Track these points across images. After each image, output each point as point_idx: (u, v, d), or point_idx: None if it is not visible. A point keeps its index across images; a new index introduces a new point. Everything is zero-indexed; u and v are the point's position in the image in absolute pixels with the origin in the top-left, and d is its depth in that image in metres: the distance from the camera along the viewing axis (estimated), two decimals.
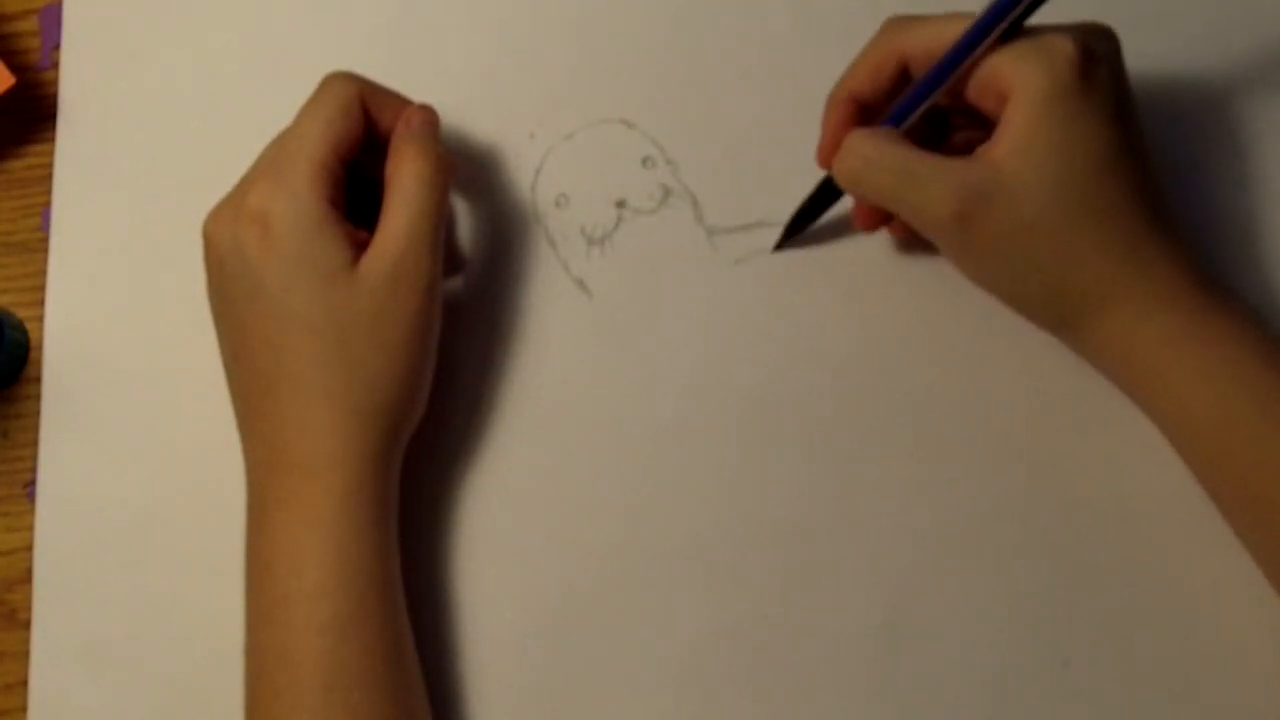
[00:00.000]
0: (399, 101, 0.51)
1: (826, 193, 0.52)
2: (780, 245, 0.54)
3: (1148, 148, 0.48)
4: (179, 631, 0.52)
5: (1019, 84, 0.46)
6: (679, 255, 0.54)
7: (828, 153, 0.50)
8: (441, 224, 0.49)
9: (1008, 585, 0.51)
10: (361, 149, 0.50)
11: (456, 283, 0.54)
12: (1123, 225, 0.47)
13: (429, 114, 0.51)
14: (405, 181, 0.49)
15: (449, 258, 0.54)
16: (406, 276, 0.48)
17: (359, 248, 0.48)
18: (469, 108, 0.56)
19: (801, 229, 0.53)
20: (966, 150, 0.48)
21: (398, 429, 0.49)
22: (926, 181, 0.47)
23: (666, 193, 0.55)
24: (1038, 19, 0.46)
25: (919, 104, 0.48)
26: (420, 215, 0.48)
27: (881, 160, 0.48)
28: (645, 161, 0.55)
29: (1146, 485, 0.51)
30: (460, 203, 0.55)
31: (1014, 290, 0.49)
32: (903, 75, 0.49)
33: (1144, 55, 0.50)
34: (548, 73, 0.56)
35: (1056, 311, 0.49)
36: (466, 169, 0.55)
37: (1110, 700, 0.49)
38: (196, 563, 0.52)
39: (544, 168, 0.55)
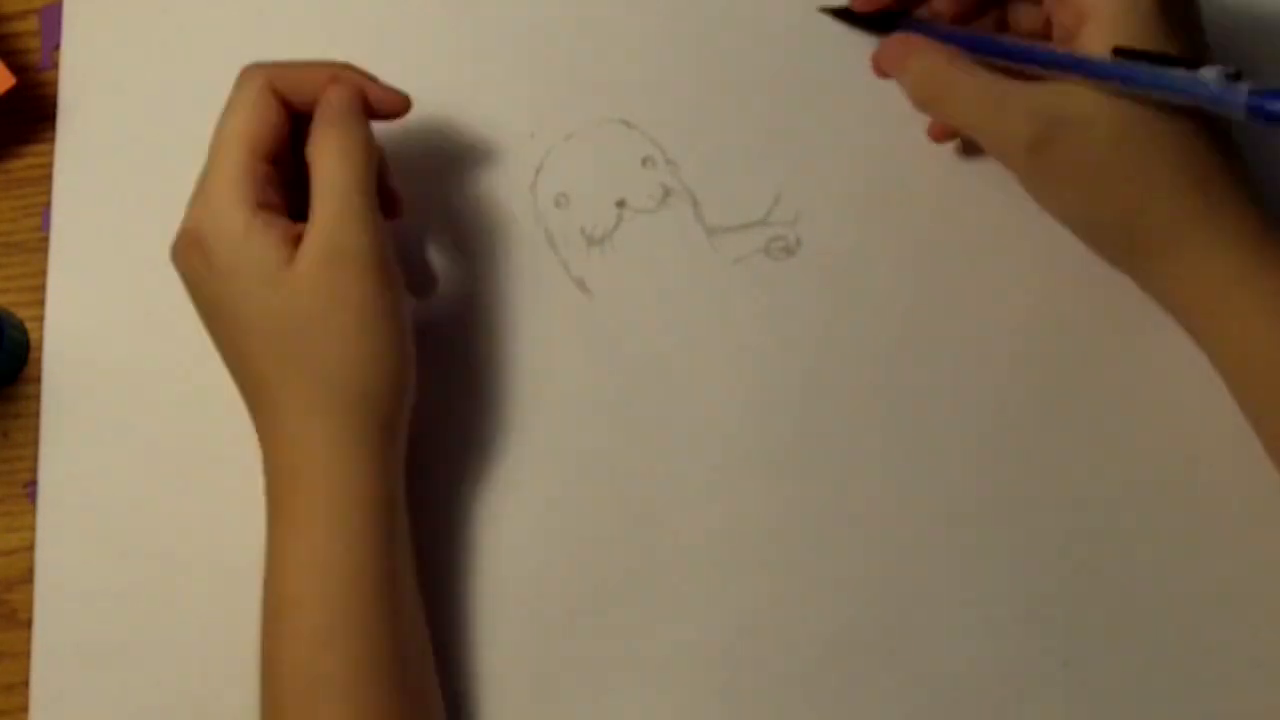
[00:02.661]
0: (316, 74, 0.49)
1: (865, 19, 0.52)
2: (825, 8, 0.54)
3: None
4: (179, 631, 0.52)
5: (1100, 7, 0.46)
6: (679, 255, 0.54)
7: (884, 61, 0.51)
8: (371, 200, 0.47)
9: (1007, 585, 0.51)
10: (292, 133, 0.49)
11: (457, 283, 0.54)
12: (1195, 161, 0.47)
13: (347, 89, 0.49)
14: (324, 165, 0.47)
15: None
16: (341, 260, 0.46)
17: (299, 241, 0.47)
18: (469, 107, 0.56)
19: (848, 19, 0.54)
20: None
21: (380, 419, 0.47)
22: (1005, 105, 0.47)
23: (666, 193, 0.55)
24: None
25: (998, 55, 0.48)
26: (343, 197, 0.47)
27: (959, 82, 0.48)
28: (645, 161, 0.55)
29: (1146, 486, 0.51)
30: (460, 203, 0.55)
31: (1087, 219, 0.49)
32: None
33: None
34: (548, 73, 0.56)
35: (1125, 245, 0.49)
36: (466, 169, 0.55)
37: (1110, 700, 0.49)
38: (196, 563, 0.52)
39: (544, 168, 0.55)
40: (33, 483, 0.54)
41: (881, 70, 0.52)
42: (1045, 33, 0.50)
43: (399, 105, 0.50)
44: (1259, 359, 0.47)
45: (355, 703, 0.45)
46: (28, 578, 0.53)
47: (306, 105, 0.49)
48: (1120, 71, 0.45)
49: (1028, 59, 0.48)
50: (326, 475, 0.46)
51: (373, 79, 0.50)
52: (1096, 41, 0.46)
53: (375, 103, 0.50)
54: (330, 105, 0.48)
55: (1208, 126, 0.47)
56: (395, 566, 0.47)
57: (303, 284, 0.46)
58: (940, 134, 0.53)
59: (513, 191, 0.55)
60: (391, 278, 0.48)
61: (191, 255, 0.47)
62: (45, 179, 0.56)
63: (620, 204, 0.55)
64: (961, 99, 0.48)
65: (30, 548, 0.53)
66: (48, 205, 0.56)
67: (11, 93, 0.55)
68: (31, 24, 0.58)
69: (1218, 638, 0.50)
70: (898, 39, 0.50)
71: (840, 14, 0.55)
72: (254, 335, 0.47)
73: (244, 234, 0.46)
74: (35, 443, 0.54)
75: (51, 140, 0.57)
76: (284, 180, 0.49)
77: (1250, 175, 0.48)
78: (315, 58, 0.57)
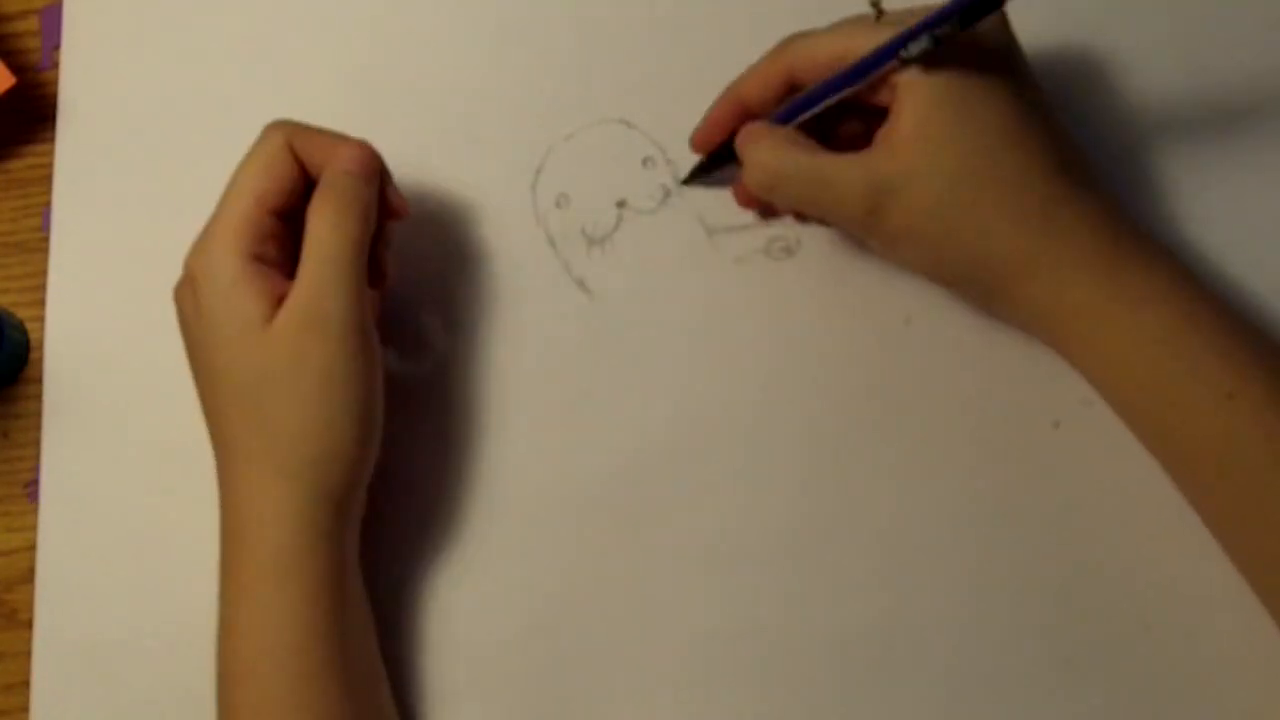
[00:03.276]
0: (333, 142, 0.49)
1: (728, 152, 0.53)
2: (686, 181, 0.55)
3: (1051, 114, 0.48)
4: (179, 631, 0.52)
5: (908, 86, 0.47)
6: (679, 255, 0.54)
7: (701, 139, 0.53)
8: (357, 270, 0.47)
9: (1007, 585, 0.51)
10: (302, 195, 0.49)
11: (458, 282, 0.54)
12: (1033, 194, 0.47)
13: (356, 154, 0.49)
14: (316, 228, 0.47)
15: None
16: (317, 326, 0.46)
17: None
18: (469, 108, 0.56)
19: (705, 174, 0.54)
20: (851, 139, 0.50)
21: (332, 491, 0.47)
22: (832, 183, 0.48)
23: (666, 193, 0.55)
24: None
25: (811, 107, 0.49)
26: (328, 263, 0.47)
27: (785, 170, 0.49)
28: (645, 161, 0.55)
29: (1146, 485, 0.51)
30: (461, 203, 0.55)
31: (937, 270, 0.50)
32: (790, 88, 0.50)
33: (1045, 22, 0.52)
34: (548, 73, 0.56)
35: (980, 286, 0.49)
36: (467, 169, 0.55)
37: (1110, 700, 0.49)
38: (196, 563, 0.52)
39: (544, 168, 0.55)
40: (33, 483, 0.54)
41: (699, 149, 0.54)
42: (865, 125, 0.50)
43: (399, 211, 0.51)
44: (1128, 383, 0.47)
45: None
46: (28, 578, 0.53)
47: (319, 170, 0.49)
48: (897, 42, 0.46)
49: (837, 88, 0.48)
50: (272, 540, 0.46)
51: (387, 173, 0.50)
52: (909, 103, 0.47)
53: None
54: (335, 171, 0.48)
55: (1044, 152, 0.47)
56: (346, 631, 0.47)
57: (276, 343, 0.46)
58: (745, 200, 0.54)
59: (513, 191, 0.55)
60: (364, 347, 0.47)
61: (185, 294, 0.48)
62: (45, 179, 0.57)
63: (620, 204, 0.55)
64: (790, 186, 0.49)
65: (30, 548, 0.53)
66: (48, 205, 0.56)
67: (11, 93, 0.55)
68: (31, 24, 0.58)
69: (1218, 638, 0.50)
70: (747, 128, 0.51)
71: (702, 170, 0.54)
72: (223, 387, 0.47)
73: (231, 283, 0.47)
74: (35, 443, 0.54)
75: (51, 140, 0.57)
76: (291, 238, 0.49)
77: (1101, 190, 0.48)
78: (314, 58, 0.57)
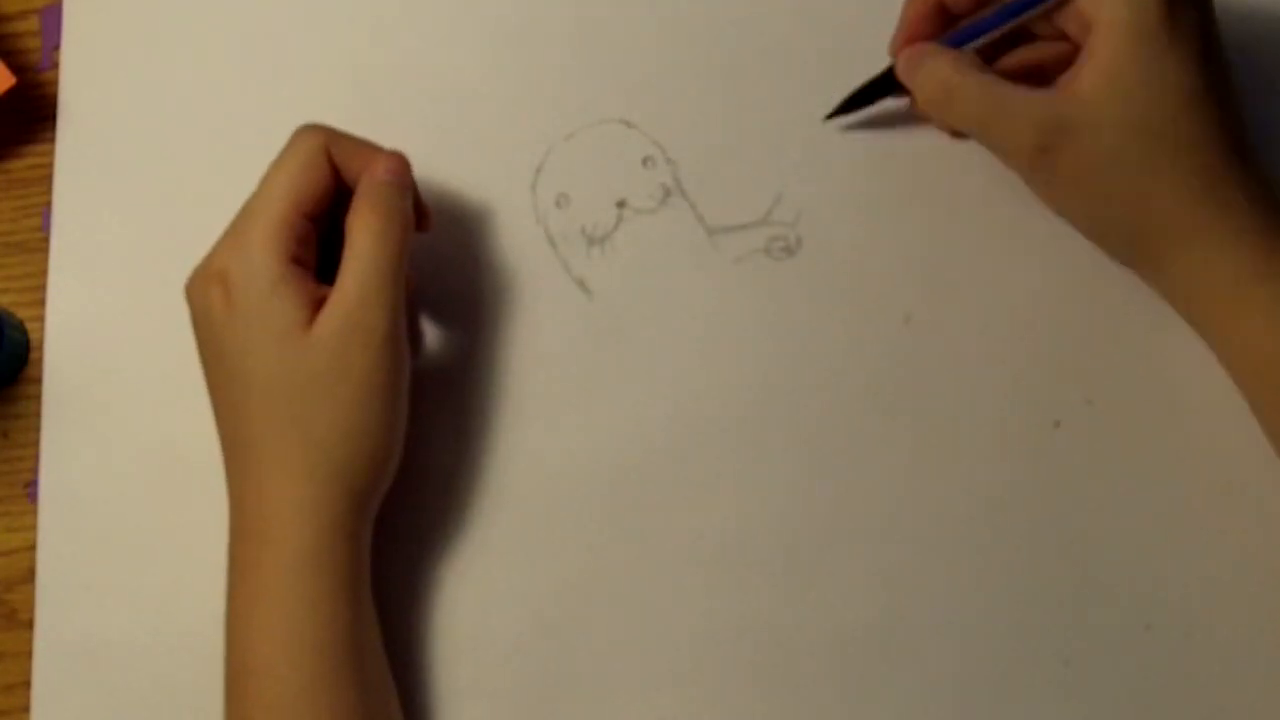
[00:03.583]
0: (368, 151, 0.50)
1: (887, 82, 0.52)
2: (831, 115, 0.54)
3: (1233, 87, 0.48)
4: (179, 631, 0.52)
5: (1105, 16, 0.46)
6: (679, 255, 0.54)
7: (899, 44, 0.51)
8: (397, 279, 0.48)
9: (1008, 585, 0.51)
10: (335, 202, 0.49)
11: (458, 282, 0.54)
12: (1202, 163, 0.47)
13: (393, 165, 0.49)
14: (358, 236, 0.47)
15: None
16: (358, 333, 0.46)
17: (322, 306, 0.47)
18: (470, 107, 0.56)
19: (855, 109, 0.53)
20: (1026, 70, 0.49)
21: (358, 494, 0.47)
22: (1009, 112, 0.48)
23: (666, 193, 0.55)
24: None
25: (1000, 25, 0.49)
26: (372, 270, 0.47)
27: (964, 89, 0.48)
28: (645, 161, 0.55)
29: (1146, 485, 0.51)
30: (461, 202, 0.55)
31: (1092, 222, 0.50)
32: None
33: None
34: (548, 73, 0.56)
35: (1132, 245, 0.49)
36: (467, 169, 0.55)
37: (1110, 700, 0.50)
38: (196, 563, 0.52)
39: (544, 168, 0.55)
40: (33, 483, 0.54)
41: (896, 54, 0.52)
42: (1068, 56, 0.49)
43: (426, 223, 0.51)
44: (1265, 360, 0.47)
45: None
46: (28, 578, 0.53)
47: (352, 177, 0.49)
48: None
49: (1026, 6, 0.48)
50: (297, 542, 0.46)
51: (414, 184, 0.50)
52: (1103, 47, 0.46)
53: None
54: (375, 180, 0.49)
55: (1221, 124, 0.47)
56: (361, 633, 0.47)
57: (316, 349, 0.46)
58: (953, 132, 0.53)
59: (513, 191, 0.55)
60: (400, 357, 0.48)
61: (213, 292, 0.47)
62: (45, 179, 0.56)
63: (620, 204, 0.55)
64: (966, 105, 0.49)
65: (30, 548, 0.53)
66: (48, 205, 0.56)
67: (11, 93, 0.55)
68: (31, 24, 0.58)
69: (1218, 638, 0.50)
70: (913, 48, 0.51)
71: (856, 101, 0.54)
72: (255, 390, 0.47)
73: (273, 286, 0.47)
74: (35, 443, 0.54)
75: (51, 140, 0.57)
76: (316, 241, 0.49)
77: (1263, 172, 0.48)
78: (314, 58, 0.57)
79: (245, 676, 0.46)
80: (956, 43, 0.50)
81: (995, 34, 0.50)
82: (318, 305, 0.47)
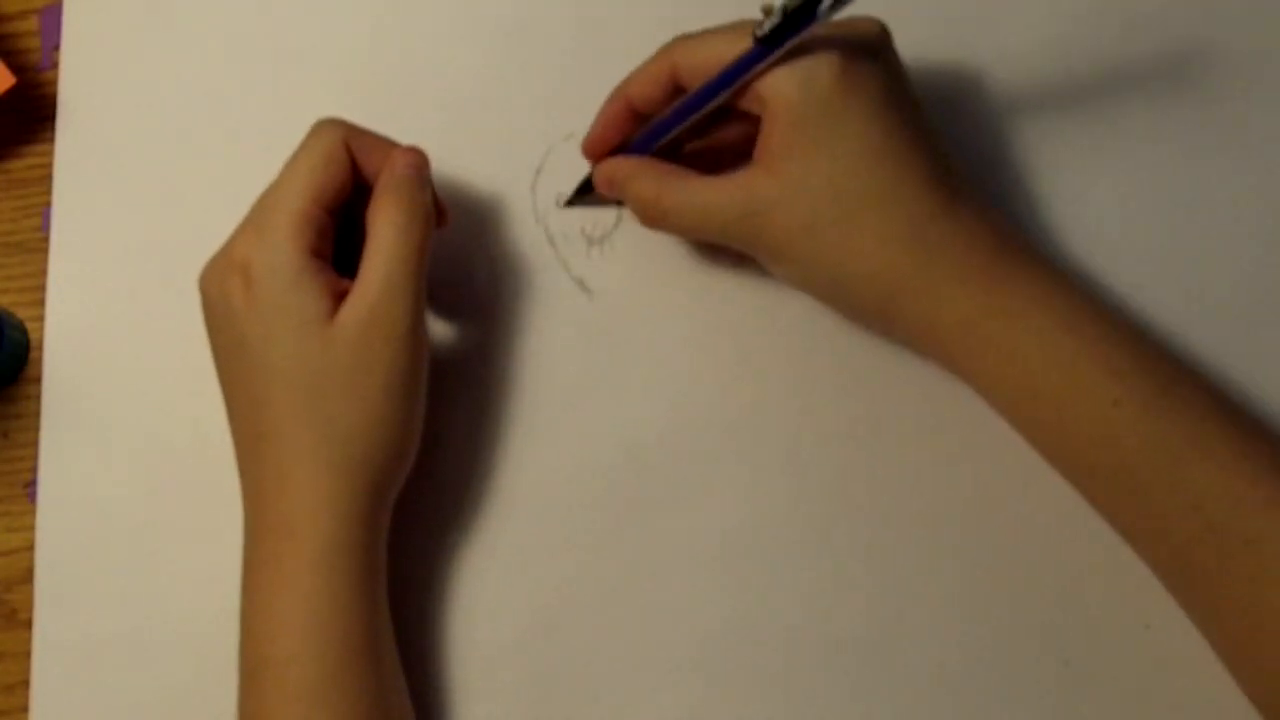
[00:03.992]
0: (386, 146, 0.50)
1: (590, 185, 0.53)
2: (568, 203, 0.55)
3: (933, 131, 0.48)
4: (179, 631, 0.52)
5: (774, 95, 0.46)
6: (678, 255, 0.54)
7: (592, 145, 0.52)
8: (420, 273, 0.48)
9: (1007, 585, 0.51)
10: (350, 196, 0.49)
11: (457, 282, 0.54)
12: (904, 212, 0.47)
13: (413, 159, 0.49)
14: (382, 230, 0.48)
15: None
16: (381, 326, 0.47)
17: (342, 298, 0.47)
18: (469, 107, 0.56)
19: (582, 199, 0.55)
20: (737, 145, 0.50)
21: (379, 485, 0.48)
22: (715, 211, 0.48)
23: None
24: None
25: (684, 121, 0.49)
26: (396, 263, 0.47)
27: (677, 207, 0.49)
28: None
29: None
30: (461, 203, 0.55)
31: (816, 288, 0.50)
32: (676, 88, 0.50)
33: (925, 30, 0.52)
34: (548, 73, 0.56)
35: (855, 305, 0.49)
36: (467, 169, 0.55)
37: (1110, 700, 0.49)
38: (196, 563, 0.52)
39: (544, 168, 0.55)
40: (33, 483, 0.54)
41: (591, 156, 0.53)
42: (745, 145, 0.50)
43: (444, 219, 0.51)
44: (1013, 391, 0.47)
45: None
46: (28, 578, 0.53)
47: (369, 172, 0.49)
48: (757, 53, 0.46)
49: (702, 101, 0.48)
50: (322, 533, 0.46)
51: (432, 183, 0.51)
52: (776, 127, 0.46)
53: None
54: (396, 173, 0.49)
55: (921, 171, 0.47)
56: (380, 626, 0.48)
57: (340, 342, 0.47)
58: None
59: (513, 191, 0.55)
60: (421, 350, 0.48)
61: (233, 283, 0.47)
62: (45, 179, 0.56)
63: (620, 204, 0.55)
64: (682, 219, 0.49)
65: (30, 548, 0.53)
66: (48, 205, 0.56)
67: (11, 93, 0.55)
68: (31, 24, 0.58)
69: None
70: (608, 164, 0.51)
71: (581, 192, 0.54)
72: (276, 381, 0.47)
73: (296, 276, 0.47)
74: (35, 443, 0.54)
75: (51, 140, 0.57)
76: (334, 234, 0.49)
77: (982, 208, 0.48)
78: (315, 58, 0.57)
79: (265, 668, 0.46)
80: (643, 144, 0.51)
81: (680, 129, 0.50)
82: (339, 298, 0.47)
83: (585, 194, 0.54)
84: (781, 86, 0.46)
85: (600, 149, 0.52)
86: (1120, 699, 0.50)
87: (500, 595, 0.52)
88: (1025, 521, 0.51)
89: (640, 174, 0.50)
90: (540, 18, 0.57)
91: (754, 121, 0.48)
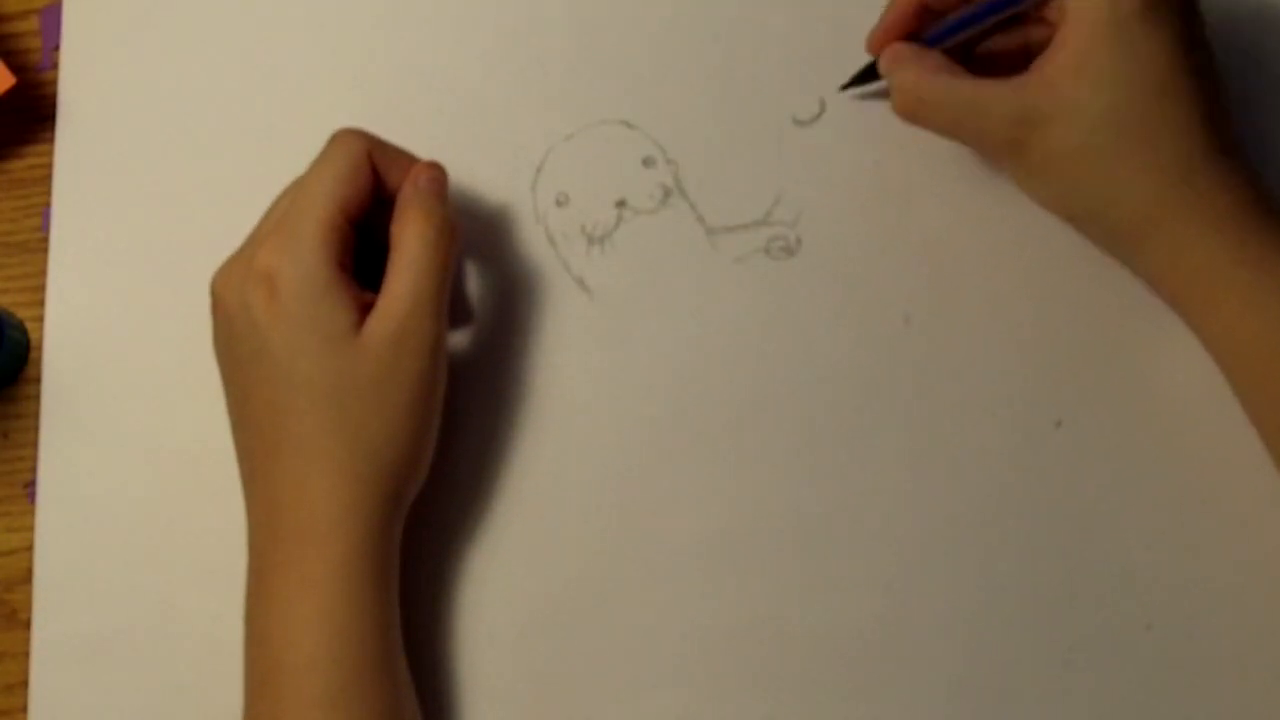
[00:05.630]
0: (407, 159, 0.50)
1: (872, 72, 0.53)
2: (845, 86, 0.54)
3: (1217, 77, 0.48)
4: (179, 631, 0.52)
5: (1076, 14, 0.46)
6: (679, 255, 0.54)
7: (878, 41, 0.52)
8: (446, 286, 0.48)
9: (1008, 585, 0.51)
10: (370, 208, 0.49)
11: (457, 282, 0.54)
12: (1176, 150, 0.47)
13: (435, 173, 0.50)
14: (409, 243, 0.48)
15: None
16: (409, 340, 0.47)
17: (365, 310, 0.47)
18: (470, 107, 0.56)
19: (866, 82, 0.54)
20: (1010, 55, 0.49)
21: (399, 494, 0.48)
22: (978, 110, 0.48)
23: (666, 193, 0.55)
24: None
25: (979, 22, 0.49)
26: (423, 277, 0.47)
27: (936, 98, 0.49)
28: (645, 161, 0.55)
29: (1146, 485, 0.51)
30: (461, 203, 0.55)
31: (1069, 210, 0.50)
32: None
33: None
34: (548, 73, 0.56)
35: (1110, 232, 0.49)
36: (467, 169, 0.55)
37: (1110, 700, 0.49)
38: (196, 563, 0.52)
39: (544, 167, 0.55)
40: (33, 483, 0.54)
41: (874, 51, 0.52)
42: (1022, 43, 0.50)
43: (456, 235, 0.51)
44: (1243, 342, 0.47)
45: None
46: (28, 578, 0.53)
47: (390, 184, 0.49)
48: None
49: (1001, 6, 0.48)
50: (343, 540, 0.46)
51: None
52: (1074, 36, 0.46)
53: None
54: (419, 189, 0.49)
55: (1198, 114, 0.47)
56: (393, 630, 0.48)
57: (367, 354, 0.47)
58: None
59: (513, 191, 0.55)
60: (444, 363, 0.49)
61: (257, 291, 0.47)
62: (45, 179, 0.56)
63: (620, 204, 0.55)
64: (935, 111, 0.50)
65: (30, 548, 0.53)
66: (48, 205, 0.56)
67: (11, 93, 0.55)
68: (31, 24, 0.58)
69: (1218, 638, 0.50)
70: (887, 52, 0.51)
71: (859, 79, 0.54)
72: (302, 392, 0.47)
73: (324, 289, 0.47)
74: (35, 443, 0.54)
75: (51, 140, 0.57)
76: (354, 245, 0.49)
77: (1245, 161, 0.48)
78: (315, 58, 0.57)
79: (280, 673, 0.46)
80: (937, 38, 0.51)
81: (974, 30, 0.50)
82: (363, 309, 0.47)
83: (861, 82, 0.54)
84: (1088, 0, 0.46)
85: (884, 41, 0.51)
86: (1120, 699, 0.49)
87: (500, 594, 0.52)
88: (1025, 521, 0.51)
89: (909, 62, 0.50)
90: (540, 18, 0.57)
91: (1046, 34, 0.48)
